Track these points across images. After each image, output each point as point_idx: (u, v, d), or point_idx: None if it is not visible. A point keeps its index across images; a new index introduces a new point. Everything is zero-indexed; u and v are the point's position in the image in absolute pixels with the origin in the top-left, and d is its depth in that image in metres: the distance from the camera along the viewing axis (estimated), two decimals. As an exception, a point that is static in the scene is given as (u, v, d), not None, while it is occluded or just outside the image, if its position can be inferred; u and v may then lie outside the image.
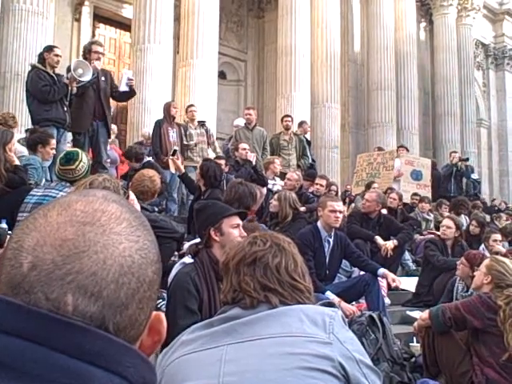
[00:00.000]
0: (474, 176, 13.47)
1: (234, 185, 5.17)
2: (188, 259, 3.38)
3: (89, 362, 0.54)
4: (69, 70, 6.37)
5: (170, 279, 3.27)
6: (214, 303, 2.99)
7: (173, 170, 7.02)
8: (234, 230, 3.07)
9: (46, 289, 0.55)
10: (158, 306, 3.46)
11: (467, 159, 13.24)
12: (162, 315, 0.66)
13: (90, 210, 0.61)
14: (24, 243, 0.58)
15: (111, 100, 7.06)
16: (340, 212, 5.09)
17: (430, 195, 10.20)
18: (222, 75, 14.90)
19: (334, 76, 14.21)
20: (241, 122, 9.91)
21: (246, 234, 2.87)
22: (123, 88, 6.77)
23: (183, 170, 6.73)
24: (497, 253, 5.89)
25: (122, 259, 0.59)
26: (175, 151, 7.07)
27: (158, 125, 8.33)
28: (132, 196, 3.39)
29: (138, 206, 3.44)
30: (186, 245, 4.25)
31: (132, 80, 6.83)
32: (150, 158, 7.86)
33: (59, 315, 0.55)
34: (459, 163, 12.24)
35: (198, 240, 3.48)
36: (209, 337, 1.46)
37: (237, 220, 3.12)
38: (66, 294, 0.55)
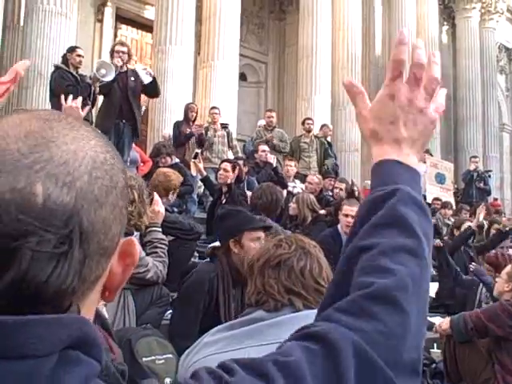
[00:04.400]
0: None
1: (275, 191, 5.12)
2: None
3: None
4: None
5: None
6: (228, 308, 2.95)
7: (194, 172, 7.02)
8: (254, 243, 2.90)
9: (11, 179, 0.49)
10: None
11: (489, 176, 12.59)
12: (135, 239, 0.62)
13: (55, 113, 0.56)
14: None
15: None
16: (353, 217, 4.93)
17: (452, 200, 10.14)
18: (242, 77, 14.90)
19: (355, 79, 13.99)
20: (264, 123, 9.92)
21: None
22: (146, 79, 6.74)
23: (205, 173, 6.66)
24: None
25: (93, 154, 0.54)
26: (197, 154, 7.06)
27: (177, 126, 8.33)
28: (156, 197, 3.37)
29: (162, 208, 3.39)
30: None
31: (146, 68, 6.96)
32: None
33: None
34: (482, 174, 11.82)
35: (217, 244, 3.34)
36: (231, 339, 1.45)
37: (258, 233, 2.95)
38: (35, 184, 0.49)
